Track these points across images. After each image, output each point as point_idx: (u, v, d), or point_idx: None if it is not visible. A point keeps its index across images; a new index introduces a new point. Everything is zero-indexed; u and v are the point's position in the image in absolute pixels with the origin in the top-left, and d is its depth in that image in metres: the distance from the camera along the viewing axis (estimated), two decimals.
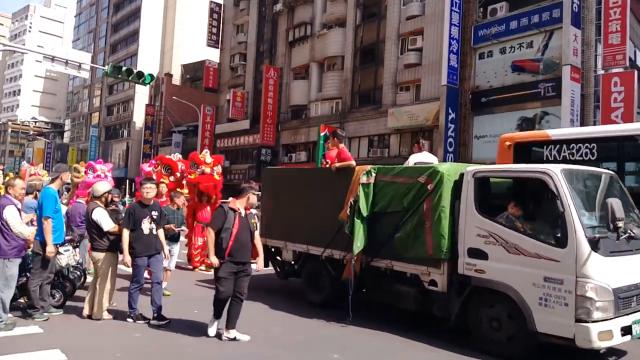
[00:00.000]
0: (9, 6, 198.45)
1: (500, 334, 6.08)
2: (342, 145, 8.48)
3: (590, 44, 21.44)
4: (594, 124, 21.01)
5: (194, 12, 59.79)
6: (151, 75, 18.70)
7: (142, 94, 58.45)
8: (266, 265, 9.39)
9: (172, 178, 12.10)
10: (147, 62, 58.28)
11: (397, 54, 29.28)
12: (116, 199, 9.27)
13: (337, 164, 8.07)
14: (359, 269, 7.49)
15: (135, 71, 18.39)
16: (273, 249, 9.66)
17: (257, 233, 6.63)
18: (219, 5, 46.56)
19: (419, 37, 27.89)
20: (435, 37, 26.40)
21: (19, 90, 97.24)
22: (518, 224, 6.18)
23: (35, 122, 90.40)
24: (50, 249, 6.84)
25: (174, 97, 49.43)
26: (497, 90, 23.84)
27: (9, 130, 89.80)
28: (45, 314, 6.97)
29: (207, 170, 11.84)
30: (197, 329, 6.72)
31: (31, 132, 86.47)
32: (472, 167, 6.77)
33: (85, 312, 7.11)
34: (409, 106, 27.85)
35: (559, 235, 5.78)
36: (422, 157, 8.51)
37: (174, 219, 9.32)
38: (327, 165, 8.41)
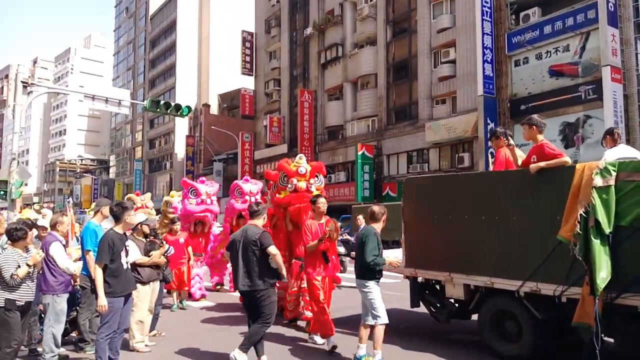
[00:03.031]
0: (52, 49, 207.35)
1: None
2: (541, 137, 6.23)
3: (630, 43, 20.86)
4: None
5: (227, 42, 61.01)
6: (188, 107, 19.14)
7: (182, 126, 59.70)
8: (416, 304, 7.72)
9: None
10: (185, 94, 59.66)
11: (431, 68, 29.13)
12: (147, 230, 7.49)
13: (542, 163, 5.88)
14: (601, 309, 5.30)
15: (173, 104, 18.82)
16: (427, 282, 7.56)
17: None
18: (250, 34, 47.39)
19: (452, 49, 27.71)
20: (468, 48, 26.19)
21: (65, 130, 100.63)
22: None
23: (82, 159, 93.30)
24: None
25: (212, 127, 50.36)
26: (536, 97, 23.38)
27: (57, 169, 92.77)
28: None
29: (302, 184, 8.09)
30: None
31: (78, 170, 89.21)
32: None
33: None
34: (446, 119, 27.57)
35: None
36: (622, 152, 6.20)
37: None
38: (501, 167, 6.69)
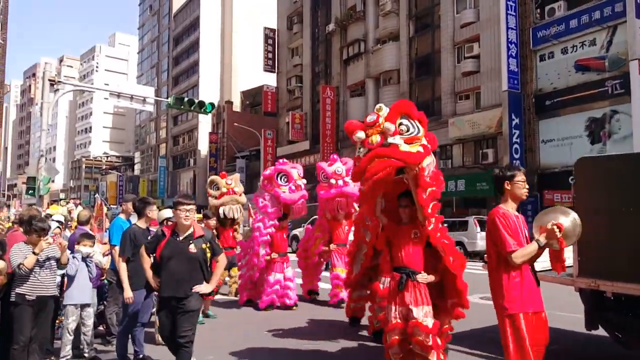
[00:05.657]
0: (78, 47, 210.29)
1: None
2: None
3: None
4: None
5: (249, 39, 61.26)
6: (212, 104, 19.32)
7: (205, 123, 60.13)
8: (594, 326, 5.69)
9: None
10: (208, 91, 60.05)
11: (454, 63, 28.88)
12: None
13: None
14: None
15: (196, 101, 19.05)
16: (614, 298, 5.22)
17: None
18: (272, 30, 47.49)
19: (475, 44, 27.43)
20: (492, 43, 25.89)
21: (90, 128, 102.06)
22: None
23: (107, 156, 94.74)
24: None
25: (235, 124, 50.61)
26: (561, 92, 23.04)
27: (83, 166, 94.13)
28: None
29: (375, 138, 4.88)
30: None
31: (104, 167, 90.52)
32: None
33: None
34: (470, 115, 27.32)
35: None
36: None
37: None
38: None
